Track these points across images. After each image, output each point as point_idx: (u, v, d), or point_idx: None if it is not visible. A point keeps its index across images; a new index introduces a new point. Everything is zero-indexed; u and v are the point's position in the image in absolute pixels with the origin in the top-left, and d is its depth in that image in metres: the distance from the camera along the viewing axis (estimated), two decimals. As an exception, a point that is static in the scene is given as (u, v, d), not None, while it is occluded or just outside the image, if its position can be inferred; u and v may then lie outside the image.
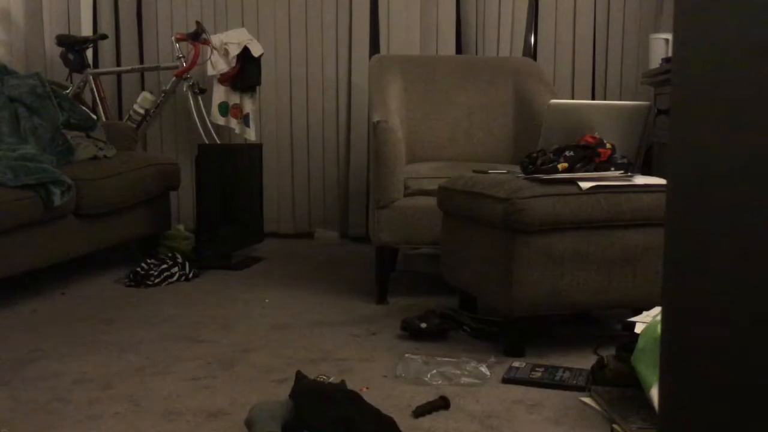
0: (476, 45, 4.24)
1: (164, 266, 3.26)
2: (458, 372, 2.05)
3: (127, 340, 2.42)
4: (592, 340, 2.30)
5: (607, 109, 2.65)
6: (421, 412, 1.81)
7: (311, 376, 1.91)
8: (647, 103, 2.72)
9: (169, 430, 1.72)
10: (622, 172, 2.32)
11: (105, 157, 3.46)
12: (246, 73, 4.11)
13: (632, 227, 2.27)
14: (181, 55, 4.08)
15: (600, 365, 1.97)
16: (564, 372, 2.06)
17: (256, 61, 4.12)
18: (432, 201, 2.72)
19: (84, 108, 3.82)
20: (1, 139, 3.13)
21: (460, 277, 2.59)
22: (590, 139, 2.35)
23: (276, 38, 4.34)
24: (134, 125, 4.10)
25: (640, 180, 2.33)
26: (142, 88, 4.40)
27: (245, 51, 4.07)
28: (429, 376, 2.04)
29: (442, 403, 1.84)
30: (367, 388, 1.94)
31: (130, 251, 3.75)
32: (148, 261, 3.29)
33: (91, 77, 4.21)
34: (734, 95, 0.84)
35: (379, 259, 2.98)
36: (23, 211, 2.79)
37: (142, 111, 4.16)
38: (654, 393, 1.65)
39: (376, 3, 4.25)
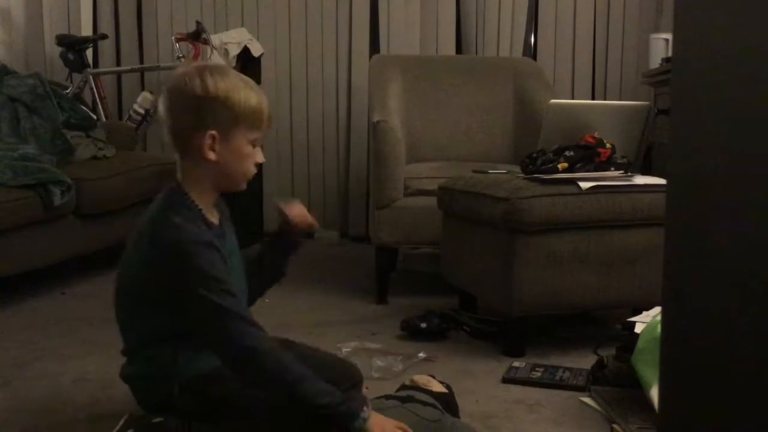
0: (476, 45, 4.24)
1: (164, 266, 3.25)
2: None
3: (127, 340, 2.41)
4: (592, 340, 2.30)
5: (607, 109, 2.65)
6: None
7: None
8: (647, 103, 2.72)
9: (169, 430, 1.71)
10: (622, 172, 2.32)
11: (105, 157, 3.45)
12: (246, 73, 4.09)
13: (632, 227, 2.27)
14: (181, 55, 4.07)
15: (600, 365, 1.97)
16: (564, 372, 2.05)
17: (256, 61, 4.11)
18: (432, 201, 2.72)
19: (84, 108, 3.82)
20: (1, 138, 3.13)
21: (460, 277, 2.59)
22: (590, 139, 2.35)
23: (276, 38, 4.33)
24: (134, 125, 4.10)
25: (640, 180, 2.33)
26: (142, 88, 4.39)
27: (245, 51, 4.07)
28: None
29: None
30: (367, 388, 1.94)
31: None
32: (148, 261, 3.28)
33: (91, 77, 4.20)
34: (734, 95, 0.84)
35: (379, 259, 2.98)
36: (23, 211, 2.79)
37: (142, 111, 4.15)
38: (654, 393, 1.64)
39: (376, 3, 4.24)
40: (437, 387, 1.73)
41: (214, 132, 1.45)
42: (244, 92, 1.47)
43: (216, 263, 1.43)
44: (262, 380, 1.43)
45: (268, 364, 1.41)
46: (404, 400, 1.61)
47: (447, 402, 1.69)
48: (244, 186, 1.55)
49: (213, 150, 1.46)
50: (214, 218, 1.55)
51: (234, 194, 1.60)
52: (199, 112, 1.45)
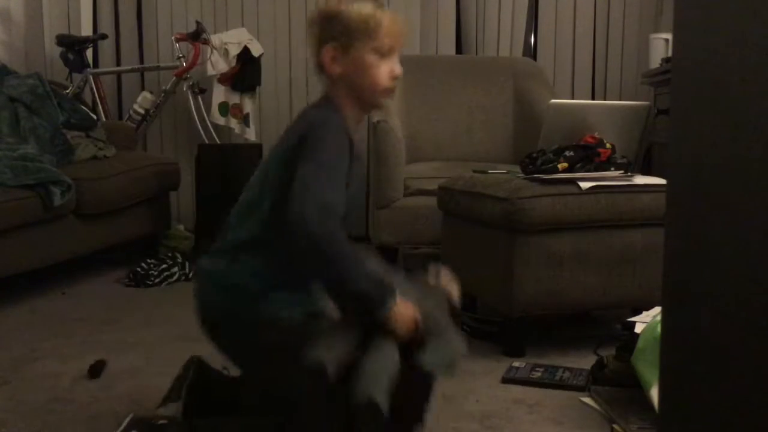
0: (476, 45, 4.24)
1: (164, 266, 3.26)
2: None
3: (127, 340, 2.41)
4: (592, 340, 2.30)
5: (607, 109, 2.65)
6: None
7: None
8: (647, 103, 2.72)
9: (169, 430, 1.71)
10: (622, 172, 2.32)
11: (105, 157, 3.45)
12: (246, 72, 4.11)
13: (632, 227, 2.27)
14: (181, 55, 4.07)
15: (600, 365, 1.97)
16: (564, 372, 2.05)
17: (256, 61, 4.11)
18: (432, 201, 2.72)
19: (84, 108, 3.82)
20: (1, 138, 3.13)
21: (460, 277, 2.59)
22: (590, 139, 2.35)
23: (276, 38, 4.33)
24: (134, 125, 4.10)
25: (640, 180, 2.33)
26: (142, 88, 4.39)
27: (245, 51, 4.07)
28: None
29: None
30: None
31: (130, 251, 3.74)
32: (148, 261, 3.29)
33: (91, 77, 4.20)
34: (734, 95, 0.84)
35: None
36: (23, 211, 2.79)
37: (142, 111, 4.15)
38: (654, 393, 1.64)
39: (376, 3, 4.24)
40: (454, 298, 1.66)
41: (332, 45, 1.51)
42: (358, 5, 1.55)
43: (348, 155, 1.46)
44: (331, 246, 1.36)
45: (340, 236, 1.37)
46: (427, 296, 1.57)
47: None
48: (383, 101, 1.60)
49: (336, 63, 1.52)
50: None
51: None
52: (316, 33, 1.54)
